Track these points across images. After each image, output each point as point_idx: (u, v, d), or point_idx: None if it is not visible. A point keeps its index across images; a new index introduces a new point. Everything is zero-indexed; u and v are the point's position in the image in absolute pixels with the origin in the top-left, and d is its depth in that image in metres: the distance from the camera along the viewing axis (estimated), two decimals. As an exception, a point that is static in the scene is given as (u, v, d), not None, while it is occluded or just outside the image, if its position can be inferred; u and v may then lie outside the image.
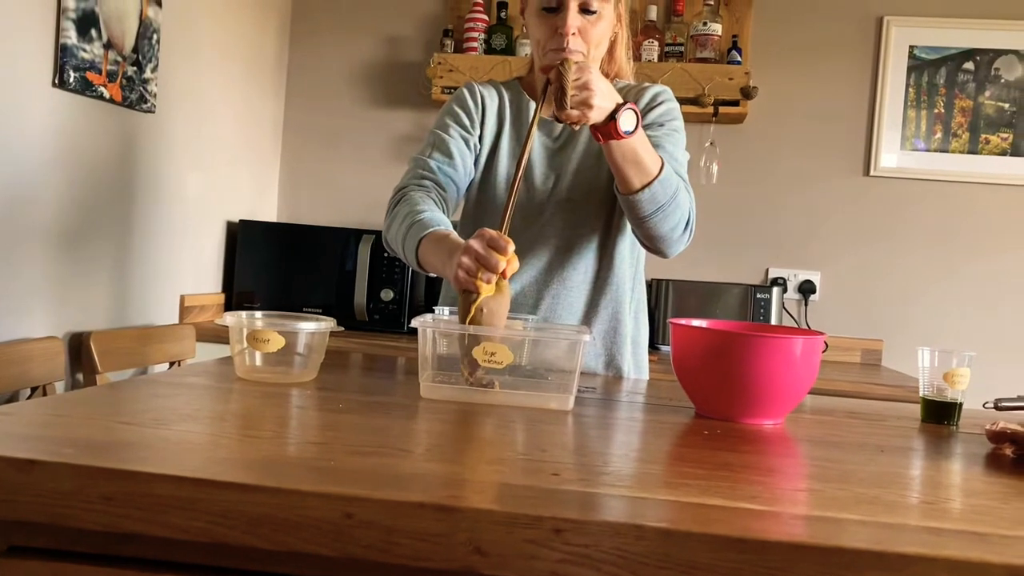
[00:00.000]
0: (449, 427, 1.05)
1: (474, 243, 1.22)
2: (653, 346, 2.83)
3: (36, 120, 2.02)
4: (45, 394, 2.00)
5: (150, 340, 2.42)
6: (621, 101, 1.33)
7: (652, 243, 1.51)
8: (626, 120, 1.33)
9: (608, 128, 1.33)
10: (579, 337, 1.21)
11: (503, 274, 1.22)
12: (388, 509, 0.71)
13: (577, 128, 1.49)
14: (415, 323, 1.23)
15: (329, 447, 0.89)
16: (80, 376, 2.22)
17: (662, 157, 1.43)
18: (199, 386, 1.20)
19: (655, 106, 1.59)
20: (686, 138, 1.62)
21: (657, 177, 1.40)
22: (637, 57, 2.92)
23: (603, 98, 1.30)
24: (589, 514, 0.71)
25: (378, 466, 0.82)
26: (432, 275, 1.50)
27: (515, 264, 1.23)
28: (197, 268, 2.82)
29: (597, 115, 1.31)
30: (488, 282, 1.21)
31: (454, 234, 1.38)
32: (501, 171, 1.63)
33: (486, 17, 3.10)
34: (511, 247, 1.21)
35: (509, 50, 3.05)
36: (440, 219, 1.44)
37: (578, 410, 1.21)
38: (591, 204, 1.60)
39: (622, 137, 1.33)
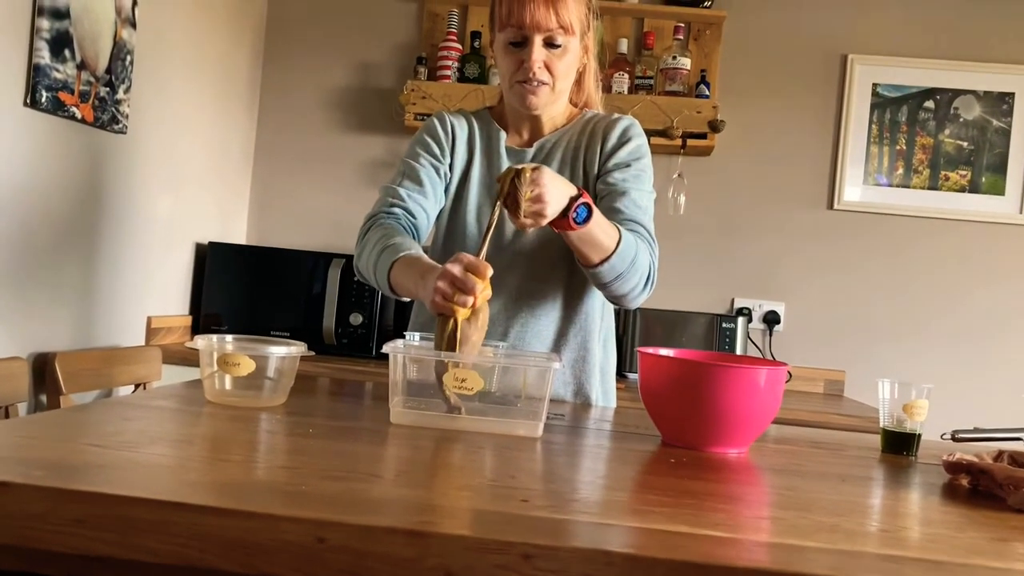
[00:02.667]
0: (419, 453, 1.06)
1: (452, 267, 1.23)
2: (620, 374, 2.85)
3: (6, 139, 2.01)
4: (7, 416, 1.97)
5: (116, 361, 2.40)
6: (574, 194, 1.34)
7: (613, 300, 1.56)
8: (579, 214, 1.34)
9: (562, 222, 1.35)
10: (549, 364, 1.23)
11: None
12: (360, 534, 0.72)
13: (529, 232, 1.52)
14: (386, 348, 1.23)
15: (300, 472, 0.89)
16: (43, 397, 2.19)
17: (618, 227, 1.44)
18: (168, 409, 1.20)
19: (624, 143, 1.62)
20: (654, 170, 1.65)
21: (615, 251, 1.42)
22: (607, 89, 2.97)
23: (555, 205, 1.31)
24: (558, 540, 0.73)
25: (349, 491, 0.83)
26: (404, 299, 1.51)
27: (488, 291, 1.25)
28: (165, 290, 2.80)
29: (548, 220, 1.32)
30: (464, 306, 1.23)
31: (425, 256, 1.40)
32: (472, 200, 1.65)
33: (460, 46, 3.14)
34: (489, 271, 1.23)
35: (482, 79, 3.08)
36: (411, 244, 1.46)
37: (547, 437, 1.22)
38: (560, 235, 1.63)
39: (575, 229, 1.35)
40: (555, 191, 1.31)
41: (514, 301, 1.62)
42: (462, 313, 1.23)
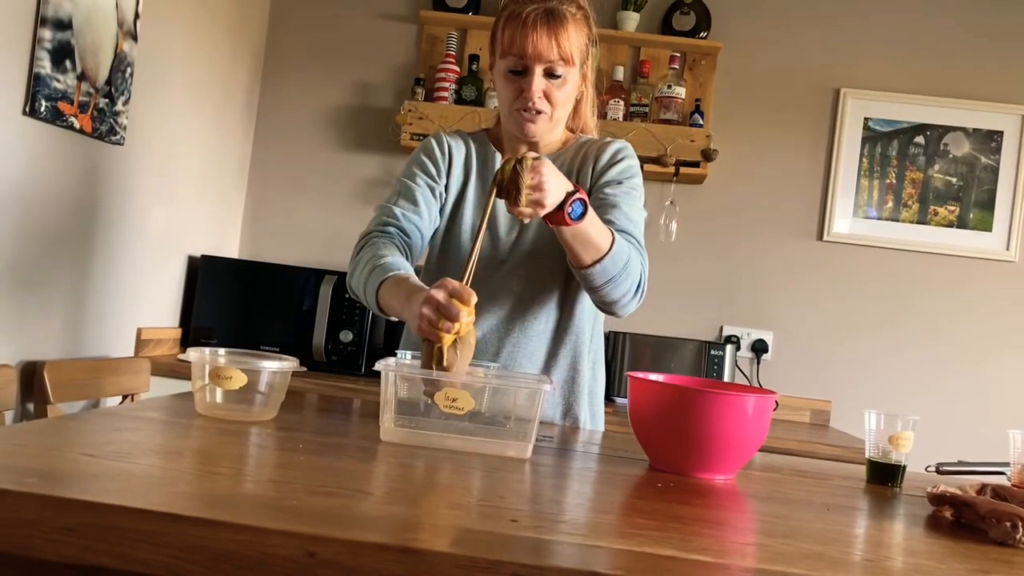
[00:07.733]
0: (408, 471, 1.07)
1: (436, 293, 1.24)
2: (608, 398, 2.86)
3: (3, 147, 2.01)
4: (-6, 423, 1.97)
5: (105, 372, 2.39)
6: (572, 189, 1.36)
7: (604, 307, 1.56)
8: (574, 210, 1.36)
9: (557, 216, 1.36)
10: (539, 386, 1.24)
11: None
12: (351, 549, 0.73)
13: (527, 222, 1.49)
14: (378, 366, 1.24)
15: (290, 486, 0.90)
16: (31, 406, 2.18)
17: (612, 231, 1.46)
18: (159, 421, 1.20)
19: (616, 162, 1.64)
20: (645, 195, 1.67)
21: (607, 253, 1.43)
22: (603, 115, 3.00)
23: (554, 196, 1.33)
24: (546, 560, 0.73)
25: (339, 507, 0.83)
26: (393, 319, 1.52)
27: (472, 317, 1.26)
28: (156, 301, 2.80)
29: (547, 210, 1.34)
30: (448, 332, 1.24)
31: (414, 277, 1.42)
32: (466, 221, 1.66)
33: (457, 68, 3.17)
34: (474, 299, 1.24)
35: (479, 101, 3.11)
36: (401, 264, 1.47)
37: (535, 459, 1.23)
38: (553, 255, 1.64)
39: (570, 224, 1.37)
40: (554, 182, 1.33)
41: (506, 322, 1.63)
42: (446, 339, 1.25)
